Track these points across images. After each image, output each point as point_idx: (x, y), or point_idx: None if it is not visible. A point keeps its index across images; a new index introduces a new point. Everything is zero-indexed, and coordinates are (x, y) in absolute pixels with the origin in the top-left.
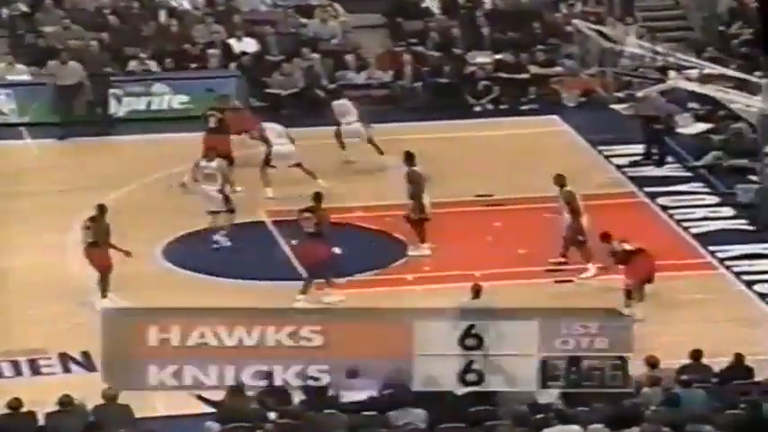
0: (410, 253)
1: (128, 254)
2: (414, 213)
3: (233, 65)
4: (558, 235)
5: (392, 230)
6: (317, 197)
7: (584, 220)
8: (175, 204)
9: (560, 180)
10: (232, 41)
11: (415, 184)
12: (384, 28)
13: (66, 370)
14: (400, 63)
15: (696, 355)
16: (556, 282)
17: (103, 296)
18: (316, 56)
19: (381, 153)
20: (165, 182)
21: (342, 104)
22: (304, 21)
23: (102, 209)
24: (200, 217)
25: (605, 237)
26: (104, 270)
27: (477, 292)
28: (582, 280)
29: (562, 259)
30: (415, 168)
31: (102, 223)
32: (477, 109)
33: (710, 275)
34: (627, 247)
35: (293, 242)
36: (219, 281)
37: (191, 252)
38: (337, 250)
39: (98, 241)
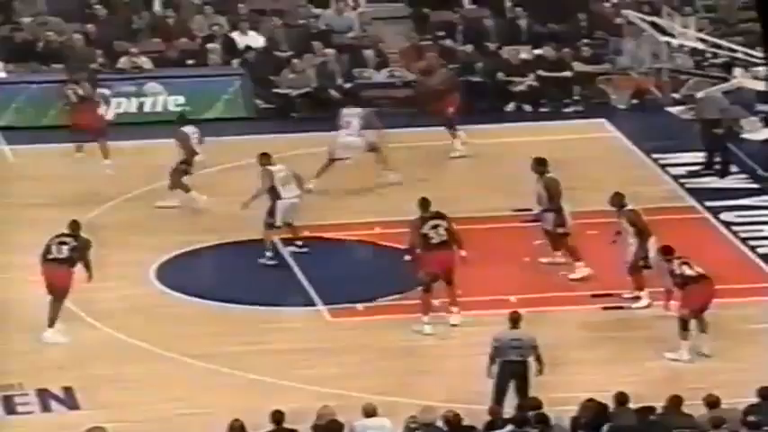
0: (571, 277)
1: (89, 278)
2: (555, 227)
3: (236, 61)
4: (604, 257)
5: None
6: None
7: (652, 243)
8: (169, 221)
9: (619, 200)
10: (235, 35)
11: (554, 193)
12: (408, 19)
13: (46, 408)
14: (427, 60)
15: (765, 392)
16: (604, 308)
17: (50, 325)
18: (330, 51)
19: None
20: (158, 195)
21: (346, 114)
22: (317, 11)
23: (76, 225)
24: (196, 234)
25: (667, 252)
26: (61, 293)
27: (515, 320)
28: (636, 308)
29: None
30: (551, 175)
31: (81, 239)
32: (513, 111)
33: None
34: (687, 271)
35: (407, 257)
36: (219, 306)
37: (188, 274)
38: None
39: (72, 258)
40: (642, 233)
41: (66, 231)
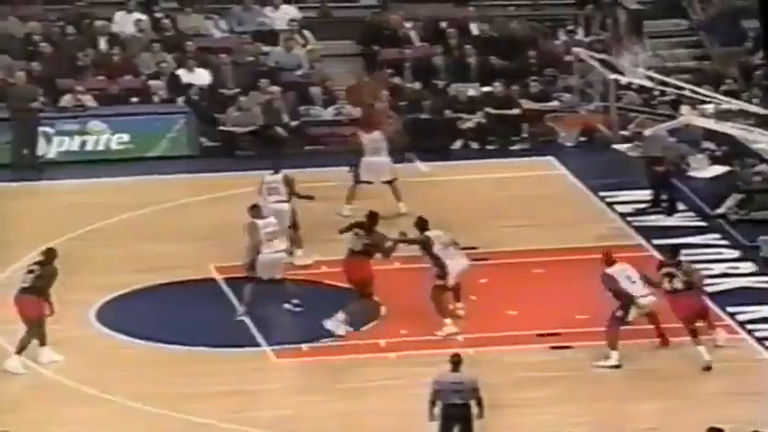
0: (438, 333)
1: (51, 312)
2: (436, 278)
3: (181, 99)
4: (552, 295)
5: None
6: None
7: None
8: (110, 260)
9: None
10: (181, 72)
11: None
12: (357, 57)
13: None
14: (374, 97)
15: None
16: (551, 348)
17: (18, 352)
18: (276, 89)
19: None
20: (100, 234)
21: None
22: (266, 49)
23: (48, 253)
24: (137, 274)
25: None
26: (27, 321)
27: (456, 363)
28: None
29: None
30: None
31: (47, 268)
32: (461, 148)
33: (730, 340)
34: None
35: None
36: (162, 348)
37: (129, 314)
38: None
39: (36, 287)
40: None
41: (38, 259)
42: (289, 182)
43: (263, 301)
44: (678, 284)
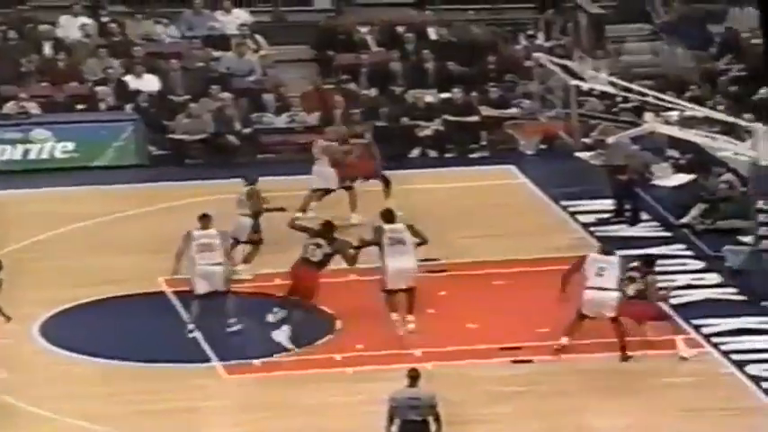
0: None
1: (8, 319)
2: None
3: (129, 106)
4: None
5: (317, 302)
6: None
7: None
8: (55, 273)
9: None
10: (129, 78)
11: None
12: (312, 63)
13: None
14: (329, 103)
15: None
16: (513, 362)
17: None
18: (228, 95)
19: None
20: (45, 246)
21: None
22: (217, 54)
23: None
24: (83, 288)
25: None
26: None
27: (413, 378)
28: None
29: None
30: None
31: None
32: (418, 157)
33: (695, 354)
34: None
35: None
36: (109, 364)
37: (75, 329)
38: None
39: None
40: None
41: None
42: (251, 195)
43: (213, 315)
44: (630, 291)
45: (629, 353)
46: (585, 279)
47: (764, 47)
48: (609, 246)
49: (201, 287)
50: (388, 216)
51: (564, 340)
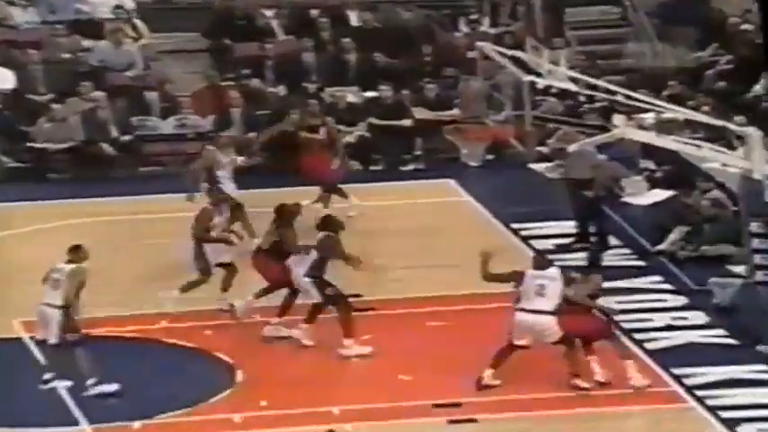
0: None
1: None
2: None
3: None
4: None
5: (213, 348)
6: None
7: None
8: None
9: None
10: None
11: None
12: (204, 54)
13: None
14: (226, 104)
15: None
16: (450, 422)
17: None
18: (101, 94)
19: None
20: None
21: None
22: (87, 44)
23: None
24: None
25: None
26: None
27: None
28: None
29: None
30: None
31: None
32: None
33: (675, 410)
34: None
35: None
36: None
37: None
38: None
39: None
40: None
41: None
42: (197, 219)
43: (80, 366)
44: (569, 293)
45: (583, 383)
46: (521, 300)
47: (764, 41)
48: (543, 259)
49: (39, 332)
50: (326, 224)
51: (487, 373)
